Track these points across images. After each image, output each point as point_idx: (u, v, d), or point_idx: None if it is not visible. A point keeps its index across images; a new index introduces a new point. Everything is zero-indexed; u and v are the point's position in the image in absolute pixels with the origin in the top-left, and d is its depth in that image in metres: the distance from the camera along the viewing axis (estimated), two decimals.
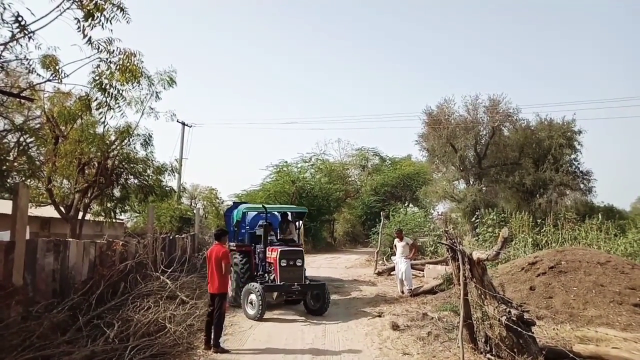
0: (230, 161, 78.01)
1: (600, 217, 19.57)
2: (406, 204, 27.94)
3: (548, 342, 5.74)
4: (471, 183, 24.94)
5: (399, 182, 27.41)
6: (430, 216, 25.52)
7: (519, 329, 5.12)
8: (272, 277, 9.50)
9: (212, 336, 6.57)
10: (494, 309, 5.28)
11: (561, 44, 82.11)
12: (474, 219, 21.24)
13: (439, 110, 25.50)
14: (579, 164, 24.57)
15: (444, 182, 26.08)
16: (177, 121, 24.89)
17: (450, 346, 6.12)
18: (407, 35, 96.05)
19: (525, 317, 5.38)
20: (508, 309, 5.25)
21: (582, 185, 24.11)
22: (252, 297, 8.78)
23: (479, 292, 5.44)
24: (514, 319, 5.16)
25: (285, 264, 9.29)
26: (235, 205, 12.37)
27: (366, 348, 6.70)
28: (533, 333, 5.40)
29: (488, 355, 5.30)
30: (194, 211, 21.47)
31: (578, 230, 18.25)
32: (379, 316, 8.97)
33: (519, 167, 23.88)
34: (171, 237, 12.55)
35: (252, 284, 9.00)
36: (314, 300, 9.48)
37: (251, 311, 8.75)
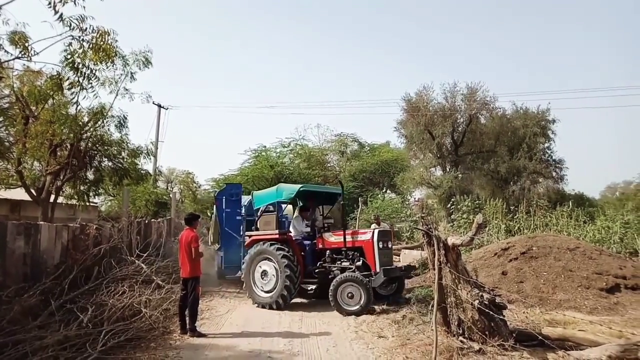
0: (208, 145, 77.06)
1: (570, 204, 20.16)
2: (384, 190, 28.18)
3: (518, 325, 5.93)
4: (447, 170, 25.28)
5: (378, 169, 27.56)
6: (407, 202, 25.81)
7: (491, 313, 5.27)
8: (357, 264, 8.27)
9: (188, 320, 6.56)
10: (467, 293, 5.41)
11: (539, 33, 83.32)
12: (449, 205, 21.59)
13: (417, 97, 25.64)
14: (552, 152, 25.18)
15: (421, 169, 26.37)
16: (153, 103, 24.32)
17: (424, 329, 6.26)
18: (389, 23, 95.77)
19: (497, 301, 5.54)
20: (481, 293, 5.39)
21: (554, 174, 24.74)
22: (352, 289, 7.79)
23: (453, 276, 5.56)
24: (486, 302, 5.30)
25: (381, 246, 8.28)
26: (229, 187, 11.65)
27: (342, 331, 6.80)
28: (504, 316, 5.57)
29: (460, 338, 5.44)
30: (170, 195, 21.18)
31: (549, 217, 18.79)
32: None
33: (494, 155, 24.32)
34: (147, 221, 12.36)
35: (348, 274, 7.92)
36: (385, 285, 8.48)
37: (352, 307, 7.73)
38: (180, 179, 27.99)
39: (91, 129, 11.42)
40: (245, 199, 11.45)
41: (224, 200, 11.08)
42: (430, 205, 24.50)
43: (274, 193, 9.38)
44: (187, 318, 6.59)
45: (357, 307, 7.68)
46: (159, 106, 24.86)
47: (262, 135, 78.40)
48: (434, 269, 5.65)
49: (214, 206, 12.57)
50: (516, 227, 17.87)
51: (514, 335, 5.40)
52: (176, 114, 65.51)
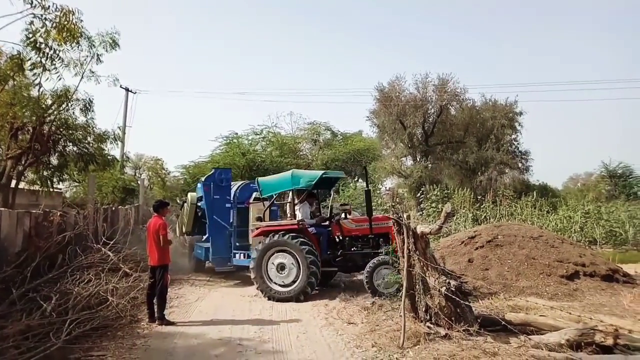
0: (178, 131, 75.37)
1: (535, 194, 20.89)
2: (356, 179, 28.40)
3: (483, 311, 6.12)
4: (418, 160, 25.68)
5: (350, 158, 27.71)
6: (379, 191, 26.10)
7: (457, 299, 5.42)
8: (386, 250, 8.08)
9: (156, 309, 6.49)
10: (435, 280, 5.54)
11: (510, 26, 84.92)
12: (419, 194, 22.00)
13: (390, 87, 25.82)
14: (518, 144, 25.94)
15: (393, 159, 26.67)
16: (121, 87, 23.56)
17: (393, 315, 6.39)
18: (365, 12, 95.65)
19: (463, 287, 5.70)
20: (448, 280, 5.53)
21: (520, 165, 25.52)
22: (387, 272, 7.70)
23: (422, 264, 5.67)
24: (453, 289, 5.44)
25: None
26: (218, 172, 10.57)
27: (312, 318, 6.86)
28: (470, 302, 5.74)
29: (428, 324, 5.57)
30: (139, 182, 20.70)
31: (514, 207, 19.42)
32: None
33: (463, 146, 24.84)
34: (114, 208, 12.06)
35: (383, 258, 7.83)
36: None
37: (389, 289, 7.58)
38: (148, 166, 27.33)
39: (55, 112, 10.98)
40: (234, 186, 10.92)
41: (212, 186, 10.31)
42: (400, 195, 24.84)
43: (288, 180, 8.80)
44: (155, 306, 6.51)
45: (394, 289, 7.53)
46: (127, 90, 24.12)
47: (234, 122, 77.45)
48: (404, 257, 5.75)
49: (188, 193, 12.01)
50: (483, 216, 18.40)
51: (479, 320, 5.58)
52: (145, 99, 63.93)
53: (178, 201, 18.88)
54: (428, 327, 5.50)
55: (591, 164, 43.94)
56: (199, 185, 12.01)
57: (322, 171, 9.19)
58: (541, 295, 8.12)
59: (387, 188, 28.74)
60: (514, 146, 25.69)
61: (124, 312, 6.50)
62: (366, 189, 9.25)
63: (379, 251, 8.25)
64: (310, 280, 8.01)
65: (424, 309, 5.73)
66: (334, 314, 7.04)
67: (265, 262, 8.36)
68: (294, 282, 8.15)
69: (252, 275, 8.41)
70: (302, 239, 8.19)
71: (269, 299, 8.18)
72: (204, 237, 10.76)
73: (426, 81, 25.12)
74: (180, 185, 23.41)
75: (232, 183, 10.98)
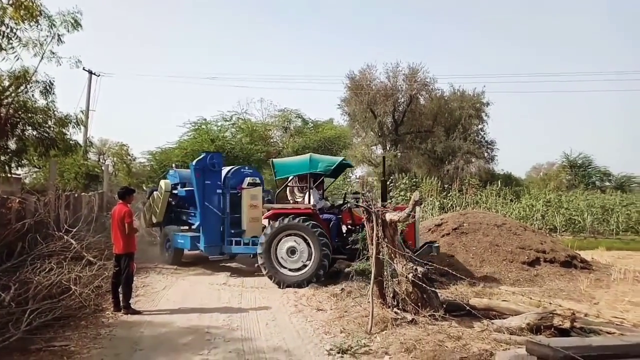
0: (144, 116, 73.44)
1: (499, 184, 21.52)
2: None
3: (448, 297, 6.29)
4: (388, 148, 25.95)
5: (321, 145, 27.68)
6: (349, 179, 26.27)
7: (424, 285, 5.54)
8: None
9: (121, 298, 6.35)
10: (403, 267, 5.65)
11: (480, 18, 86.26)
12: (388, 183, 22.28)
13: (361, 75, 25.91)
14: (484, 134, 26.61)
15: (363, 147, 26.86)
16: (84, 69, 22.63)
17: (362, 301, 6.48)
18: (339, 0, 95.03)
19: (429, 274, 5.83)
20: (415, 267, 5.64)
21: (486, 154, 26.22)
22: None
23: (390, 251, 5.76)
24: (420, 276, 5.56)
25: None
26: (209, 156, 9.85)
27: (282, 305, 6.88)
28: (436, 288, 5.88)
29: (395, 309, 5.69)
30: (103, 168, 20.07)
31: (480, 195, 19.98)
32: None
33: (432, 135, 25.26)
34: (76, 195, 11.66)
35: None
36: None
37: None
38: (113, 151, 26.44)
39: (12, 95, 10.45)
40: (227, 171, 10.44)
41: (202, 171, 9.71)
42: (370, 183, 25.08)
43: (306, 163, 8.69)
44: (120, 295, 6.37)
45: None
46: (90, 72, 23.21)
47: (203, 107, 75.88)
48: (373, 244, 5.82)
49: (161, 181, 11.24)
50: (449, 204, 18.85)
51: (444, 306, 5.74)
52: (110, 82, 61.65)
53: (144, 188, 18.43)
54: (395, 312, 5.61)
55: (553, 154, 45.55)
56: (171, 171, 11.58)
57: (341, 157, 9.14)
58: (504, 281, 8.42)
59: (357, 176, 28.97)
60: (480, 136, 26.37)
61: (87, 302, 6.33)
62: (382, 178, 9.37)
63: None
64: (322, 263, 7.95)
65: (391, 295, 5.84)
66: (304, 301, 7.08)
67: (274, 246, 8.24)
68: (305, 266, 8.10)
69: (260, 261, 8.25)
70: (317, 225, 8.11)
71: (278, 284, 8.07)
72: (195, 225, 10.02)
73: (397, 70, 25.35)
74: (146, 171, 22.82)
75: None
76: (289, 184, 9.57)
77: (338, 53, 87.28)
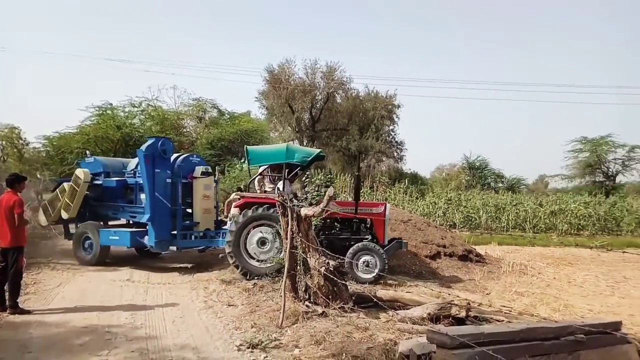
0: (40, 97, 66.48)
1: (406, 182, 22.74)
2: (242, 160, 28.00)
3: (357, 289, 6.51)
4: (305, 144, 26.21)
5: (237, 138, 27.16)
6: None
7: (335, 278, 5.68)
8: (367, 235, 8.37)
9: (7, 296, 5.72)
10: (316, 261, 5.73)
11: (400, 21, 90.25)
12: (304, 178, 22.51)
13: (280, 69, 25.83)
14: (395, 134, 27.97)
15: (280, 142, 26.85)
16: None
17: (274, 296, 6.47)
18: None
19: (340, 268, 5.99)
20: (327, 261, 5.76)
21: (395, 154, 27.58)
22: (368, 257, 7.85)
23: (304, 245, 5.82)
24: (332, 269, 5.69)
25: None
26: (160, 142, 8.88)
27: (191, 302, 6.65)
28: (346, 282, 6.06)
29: (306, 303, 5.76)
30: None
31: (389, 193, 20.96)
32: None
33: (346, 133, 25.98)
34: None
35: (365, 244, 7.95)
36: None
37: (368, 274, 7.76)
38: (2, 134, 23.68)
39: None
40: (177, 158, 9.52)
41: (152, 158, 8.75)
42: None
43: (282, 152, 8.39)
44: (6, 293, 5.73)
45: (373, 275, 7.72)
46: None
47: (109, 92, 70.61)
48: (287, 239, 5.83)
49: (78, 169, 9.84)
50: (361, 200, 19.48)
51: (354, 298, 5.93)
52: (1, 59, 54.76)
53: (38, 176, 16.72)
54: (307, 306, 5.68)
55: (455, 156, 49.23)
56: (89, 159, 10.20)
57: (318, 149, 8.93)
58: (408, 273, 8.91)
59: None
60: (391, 136, 27.63)
61: None
62: (356, 173, 9.31)
63: (365, 237, 8.33)
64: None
65: (303, 289, 5.90)
66: (214, 296, 6.90)
67: (244, 236, 7.92)
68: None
69: (228, 250, 7.87)
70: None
71: (245, 275, 7.72)
72: (145, 218, 8.83)
73: (315, 67, 25.66)
74: (41, 158, 20.74)
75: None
76: (263, 173, 9.21)
77: (257, 45, 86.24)
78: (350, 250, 7.92)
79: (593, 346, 3.67)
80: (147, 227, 8.82)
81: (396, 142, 27.86)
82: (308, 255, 5.79)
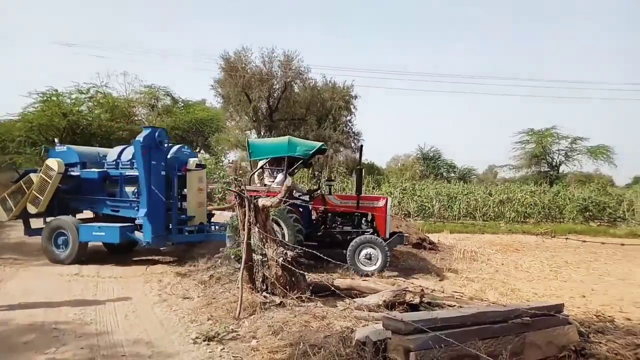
0: None
1: (363, 172, 22.95)
2: (198, 150, 27.36)
3: (315, 279, 6.55)
4: (262, 134, 25.94)
5: (192, 127, 26.48)
6: (221, 163, 25.66)
7: (293, 268, 5.69)
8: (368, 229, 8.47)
9: None
10: (273, 252, 5.71)
11: (363, 11, 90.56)
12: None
13: (236, 57, 25.35)
14: (352, 125, 28.18)
15: (237, 131, 26.47)
16: None
17: (231, 287, 6.40)
18: None
19: (298, 257, 6.00)
20: (285, 251, 5.75)
21: (353, 144, 27.80)
22: (370, 250, 7.91)
23: (262, 236, 5.78)
24: (290, 259, 5.69)
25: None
26: (156, 132, 8.50)
27: (144, 295, 6.47)
28: (304, 272, 6.08)
29: (264, 294, 5.74)
30: None
31: (346, 183, 21.17)
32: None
33: (304, 123, 25.93)
34: None
35: (367, 237, 8.02)
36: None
37: (369, 267, 7.83)
38: None
39: None
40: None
41: (149, 149, 8.30)
42: (244, 168, 24.85)
43: (284, 146, 8.36)
44: None
45: (375, 267, 7.81)
46: None
47: (54, 77, 66.76)
48: (244, 230, 5.77)
49: (49, 159, 9.05)
50: (319, 191, 19.55)
51: (311, 287, 5.97)
52: None
53: None
54: (264, 296, 5.66)
55: (410, 146, 50.33)
56: (61, 147, 9.46)
57: (320, 142, 8.85)
58: None
59: (230, 161, 28.45)
60: (348, 127, 27.82)
61: None
62: (358, 167, 9.24)
63: (367, 230, 8.43)
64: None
65: (261, 280, 5.87)
66: (169, 289, 6.74)
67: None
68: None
69: (229, 244, 7.77)
70: (292, 210, 7.95)
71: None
72: (142, 212, 8.31)
73: (272, 56, 25.36)
74: None
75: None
76: (264, 167, 9.09)
77: (211, 30, 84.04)
78: (353, 242, 8.03)
79: (538, 328, 3.88)
80: (143, 222, 8.37)
81: (353, 132, 28.10)
82: (266, 246, 5.76)
